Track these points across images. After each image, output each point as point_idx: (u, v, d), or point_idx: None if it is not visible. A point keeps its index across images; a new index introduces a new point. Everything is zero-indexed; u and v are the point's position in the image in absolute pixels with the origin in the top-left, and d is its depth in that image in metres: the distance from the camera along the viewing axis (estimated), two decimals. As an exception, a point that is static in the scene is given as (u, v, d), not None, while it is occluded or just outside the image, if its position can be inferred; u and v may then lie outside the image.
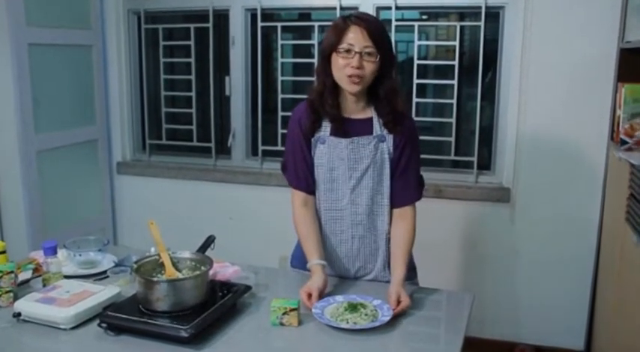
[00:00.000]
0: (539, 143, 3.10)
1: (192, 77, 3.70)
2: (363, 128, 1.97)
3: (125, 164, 3.90)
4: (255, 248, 3.35)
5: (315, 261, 1.94)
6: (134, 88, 3.88)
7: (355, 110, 1.98)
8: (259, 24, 3.51)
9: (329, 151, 1.97)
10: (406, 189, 2.00)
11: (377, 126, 1.97)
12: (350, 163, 1.96)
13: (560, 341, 3.22)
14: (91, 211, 3.76)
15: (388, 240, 2.02)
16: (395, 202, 2.01)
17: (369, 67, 1.86)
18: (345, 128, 1.96)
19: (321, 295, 1.85)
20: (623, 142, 2.57)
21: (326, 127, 1.98)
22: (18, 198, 3.24)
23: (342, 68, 1.86)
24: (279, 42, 3.49)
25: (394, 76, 1.95)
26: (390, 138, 1.97)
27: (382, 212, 2.00)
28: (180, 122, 3.86)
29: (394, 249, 1.98)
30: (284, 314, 1.71)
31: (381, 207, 2.00)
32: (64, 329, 1.67)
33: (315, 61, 3.44)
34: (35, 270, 2.05)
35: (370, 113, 1.98)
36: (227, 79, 3.67)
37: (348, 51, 1.85)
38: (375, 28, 1.87)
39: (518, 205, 3.18)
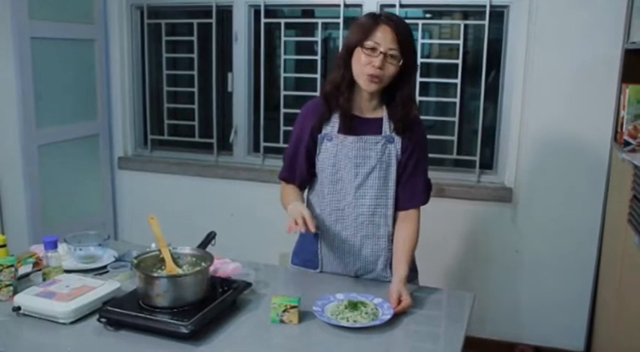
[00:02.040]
0: (541, 143, 3.09)
1: (195, 73, 3.69)
2: (372, 127, 1.96)
3: (126, 159, 3.90)
4: (255, 245, 3.35)
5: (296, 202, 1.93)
6: (136, 83, 3.87)
7: (367, 108, 1.97)
8: (262, 20, 3.50)
9: (335, 148, 1.96)
10: (413, 192, 1.99)
11: (386, 127, 1.96)
12: (356, 162, 1.95)
13: (560, 341, 3.21)
14: (92, 206, 3.75)
15: (391, 242, 2.01)
16: (400, 205, 2.00)
17: (391, 69, 1.84)
18: (353, 126, 1.95)
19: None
20: (627, 143, 2.56)
21: (334, 124, 1.97)
22: (19, 192, 3.24)
23: (364, 65, 1.84)
24: (282, 38, 3.48)
25: (413, 83, 1.95)
26: (398, 140, 1.96)
27: (386, 213, 1.99)
28: (182, 118, 3.86)
29: (397, 249, 1.97)
30: (284, 311, 1.70)
31: (384, 209, 1.98)
32: (64, 324, 1.66)
33: (318, 57, 3.43)
34: (35, 264, 2.04)
35: (381, 113, 1.97)
36: (229, 75, 3.66)
37: (373, 49, 1.83)
38: (404, 31, 1.85)
39: (520, 205, 3.18)
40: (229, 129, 3.72)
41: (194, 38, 3.65)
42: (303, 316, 1.73)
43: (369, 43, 1.83)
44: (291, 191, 2.05)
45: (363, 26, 1.86)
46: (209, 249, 1.94)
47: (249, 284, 1.87)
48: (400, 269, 1.89)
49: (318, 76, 3.43)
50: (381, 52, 1.82)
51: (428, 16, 3.46)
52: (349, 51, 1.89)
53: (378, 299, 1.82)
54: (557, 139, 3.06)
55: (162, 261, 1.82)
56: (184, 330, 1.56)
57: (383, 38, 1.83)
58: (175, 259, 1.84)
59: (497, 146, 3.28)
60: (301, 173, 2.04)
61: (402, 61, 1.84)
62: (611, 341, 2.59)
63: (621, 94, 2.72)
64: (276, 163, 3.50)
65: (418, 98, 3.28)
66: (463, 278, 3.33)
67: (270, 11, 3.55)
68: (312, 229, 1.77)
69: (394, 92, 1.93)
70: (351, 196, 1.97)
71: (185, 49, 3.75)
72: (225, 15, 3.65)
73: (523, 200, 3.17)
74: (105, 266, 2.07)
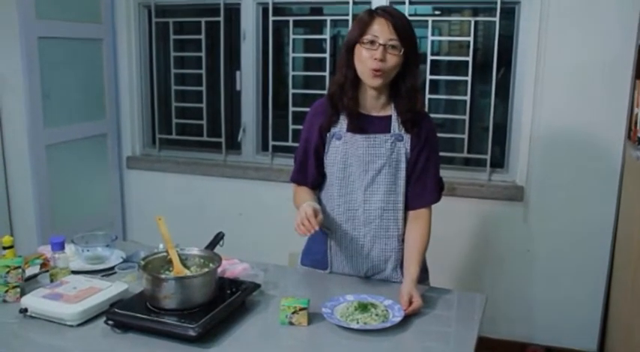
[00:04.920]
0: (553, 141, 3.05)
1: (203, 71, 3.68)
2: (380, 126, 1.93)
3: (135, 158, 3.89)
4: (264, 244, 3.33)
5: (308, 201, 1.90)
6: (144, 82, 3.86)
7: (375, 106, 1.95)
8: (271, 18, 3.48)
9: (344, 147, 1.94)
10: (423, 191, 1.97)
11: (395, 125, 1.93)
12: (365, 161, 1.92)
13: (572, 342, 3.18)
14: (100, 206, 3.75)
15: (401, 242, 1.99)
16: (411, 204, 1.97)
17: (393, 60, 1.82)
18: (362, 124, 1.93)
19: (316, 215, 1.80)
20: (641, 141, 2.52)
21: (343, 123, 1.95)
22: (27, 193, 3.24)
23: (366, 60, 1.82)
24: (291, 36, 3.46)
25: (417, 74, 1.92)
26: (407, 138, 1.93)
27: (396, 212, 1.96)
28: (191, 117, 3.84)
29: (408, 249, 1.95)
30: (293, 313, 1.68)
31: (394, 208, 1.96)
32: (71, 326, 1.65)
33: (326, 55, 3.41)
34: (43, 265, 2.03)
35: (389, 111, 1.95)
36: (238, 73, 3.65)
37: (372, 42, 1.81)
38: (401, 21, 1.83)
39: (532, 204, 3.14)
40: (238, 128, 3.71)
41: (202, 37, 3.64)
42: (313, 318, 1.71)
43: (367, 37, 1.82)
44: (303, 192, 2.03)
45: (359, 23, 1.86)
46: (217, 249, 1.92)
47: (257, 286, 1.86)
48: (411, 270, 1.86)
49: (326, 73, 3.41)
50: (380, 44, 1.80)
51: (437, 12, 3.43)
52: (349, 49, 1.87)
53: (389, 301, 1.80)
54: (569, 137, 3.02)
55: (170, 262, 1.81)
56: (192, 333, 1.54)
57: (380, 30, 1.81)
58: (183, 260, 1.82)
59: (509, 144, 3.25)
60: (312, 174, 2.02)
61: (403, 51, 1.82)
62: (625, 341, 2.56)
63: (635, 91, 2.68)
64: (285, 162, 3.49)
65: (428, 96, 3.25)
66: (474, 277, 3.30)
67: (279, 9, 3.53)
68: (316, 227, 1.75)
69: (399, 86, 1.91)
70: (361, 195, 1.95)
71: (193, 47, 3.73)
72: (233, 13, 3.63)
73: (534, 198, 3.13)
74: (112, 268, 2.05)
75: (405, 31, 1.83)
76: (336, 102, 1.93)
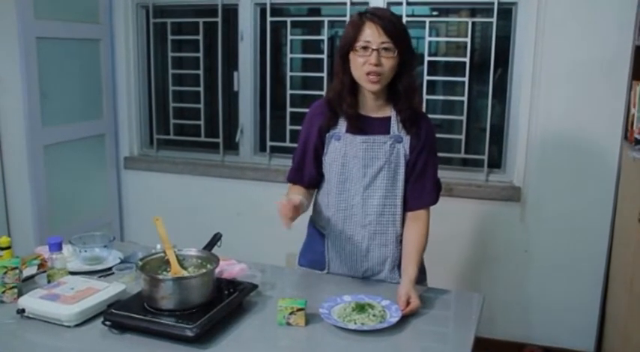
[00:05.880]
0: (550, 141, 3.06)
1: (201, 72, 3.68)
2: (380, 127, 1.94)
3: (132, 159, 3.89)
4: (262, 245, 3.33)
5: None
6: (142, 82, 3.86)
7: (374, 108, 1.95)
8: (268, 19, 3.48)
9: (344, 148, 1.94)
10: (422, 192, 1.97)
11: (395, 126, 1.94)
12: (364, 161, 1.93)
13: (570, 342, 3.18)
14: (97, 206, 3.74)
15: (399, 243, 1.99)
16: (409, 205, 1.98)
17: (388, 63, 1.82)
18: (361, 126, 1.93)
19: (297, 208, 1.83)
20: (638, 142, 2.53)
21: (342, 124, 1.95)
22: (25, 193, 3.23)
23: (361, 66, 1.83)
24: (289, 37, 3.46)
25: (414, 73, 1.92)
26: (407, 139, 1.94)
27: (394, 213, 1.97)
28: (188, 117, 3.84)
29: (406, 250, 1.94)
30: (291, 313, 1.68)
31: (393, 209, 1.96)
32: (68, 327, 1.65)
33: (324, 56, 3.41)
34: (40, 266, 2.03)
35: (389, 112, 1.95)
36: (235, 74, 3.65)
37: (365, 48, 1.81)
38: (391, 23, 1.83)
39: (529, 204, 3.14)
40: (235, 129, 3.71)
41: (200, 37, 3.63)
42: (310, 318, 1.71)
43: (359, 44, 1.82)
44: (294, 190, 2.04)
45: (350, 28, 1.86)
46: (215, 250, 1.92)
47: (255, 286, 1.86)
48: (409, 271, 1.87)
49: (324, 74, 3.41)
50: (373, 49, 1.80)
51: (435, 13, 3.43)
52: (344, 57, 1.88)
53: (386, 301, 1.80)
54: (567, 138, 3.03)
55: (168, 262, 1.81)
56: (190, 333, 1.54)
57: (372, 34, 1.81)
58: (181, 261, 1.83)
59: (506, 144, 3.25)
60: (310, 173, 2.02)
61: (397, 52, 1.82)
62: (622, 341, 2.56)
63: (632, 92, 2.69)
64: (283, 162, 3.49)
65: (425, 97, 3.26)
66: (471, 278, 3.30)
67: (276, 10, 3.53)
68: (292, 203, 1.79)
69: (397, 86, 1.91)
70: (359, 196, 1.95)
71: (191, 48, 3.73)
72: (230, 14, 3.63)
73: (532, 199, 3.14)
74: (110, 268, 2.05)
75: (396, 31, 1.82)
76: (334, 107, 1.94)
